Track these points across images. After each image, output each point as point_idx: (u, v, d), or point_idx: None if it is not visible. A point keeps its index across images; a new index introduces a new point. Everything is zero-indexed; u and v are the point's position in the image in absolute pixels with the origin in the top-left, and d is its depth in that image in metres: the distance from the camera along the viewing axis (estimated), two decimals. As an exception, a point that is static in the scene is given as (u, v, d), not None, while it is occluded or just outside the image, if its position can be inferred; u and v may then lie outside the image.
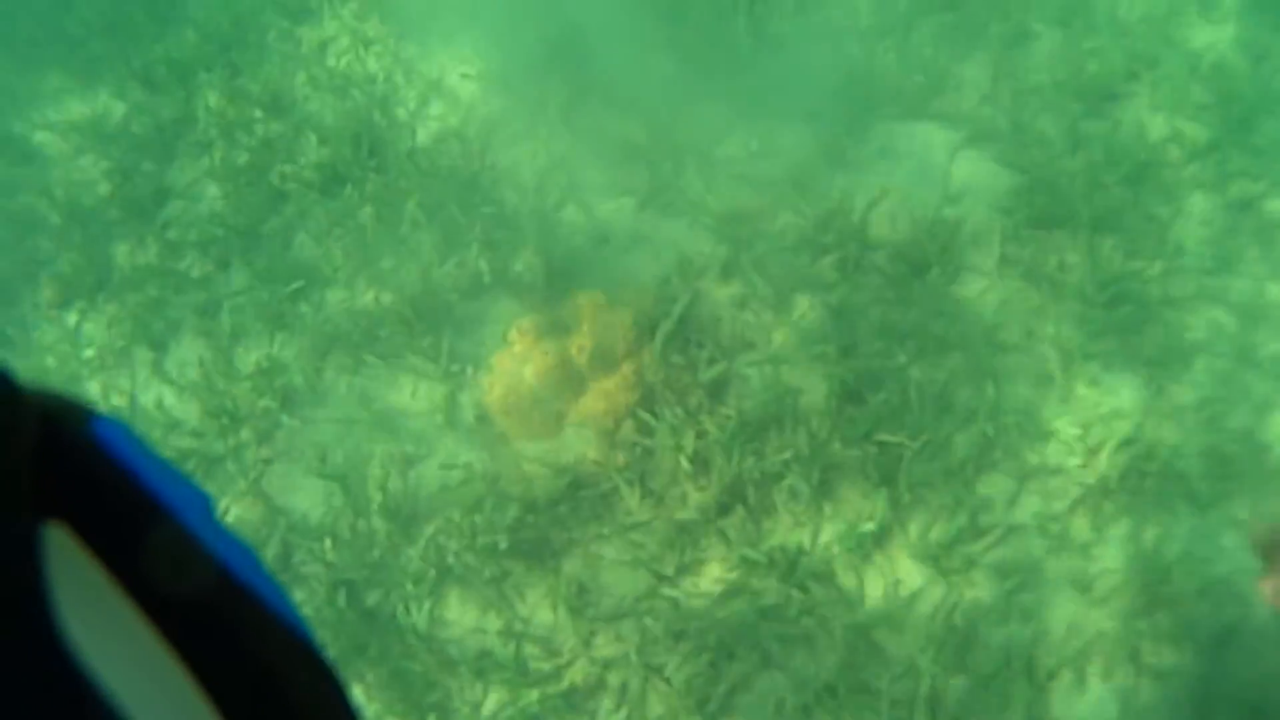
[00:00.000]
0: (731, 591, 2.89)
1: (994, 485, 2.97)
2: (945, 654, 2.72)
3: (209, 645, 0.41)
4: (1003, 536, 2.88)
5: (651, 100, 3.72)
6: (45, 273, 4.01)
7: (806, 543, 2.93)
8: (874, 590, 2.85)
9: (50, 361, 3.79)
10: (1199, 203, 3.47)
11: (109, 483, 0.40)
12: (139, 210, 4.04)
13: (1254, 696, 2.56)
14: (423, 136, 3.92)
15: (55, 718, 0.35)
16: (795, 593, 2.83)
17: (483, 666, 2.93)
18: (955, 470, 2.97)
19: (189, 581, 0.41)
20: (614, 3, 3.89)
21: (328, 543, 3.17)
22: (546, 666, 2.89)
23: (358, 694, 2.98)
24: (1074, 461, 2.96)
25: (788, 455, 3.04)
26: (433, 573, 3.07)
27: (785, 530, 2.96)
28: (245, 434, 3.42)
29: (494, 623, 2.98)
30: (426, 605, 3.03)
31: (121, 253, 3.99)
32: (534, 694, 2.85)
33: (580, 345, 3.25)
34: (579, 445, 3.19)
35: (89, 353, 3.80)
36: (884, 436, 3.00)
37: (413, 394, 3.42)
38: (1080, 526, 2.88)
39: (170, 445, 3.45)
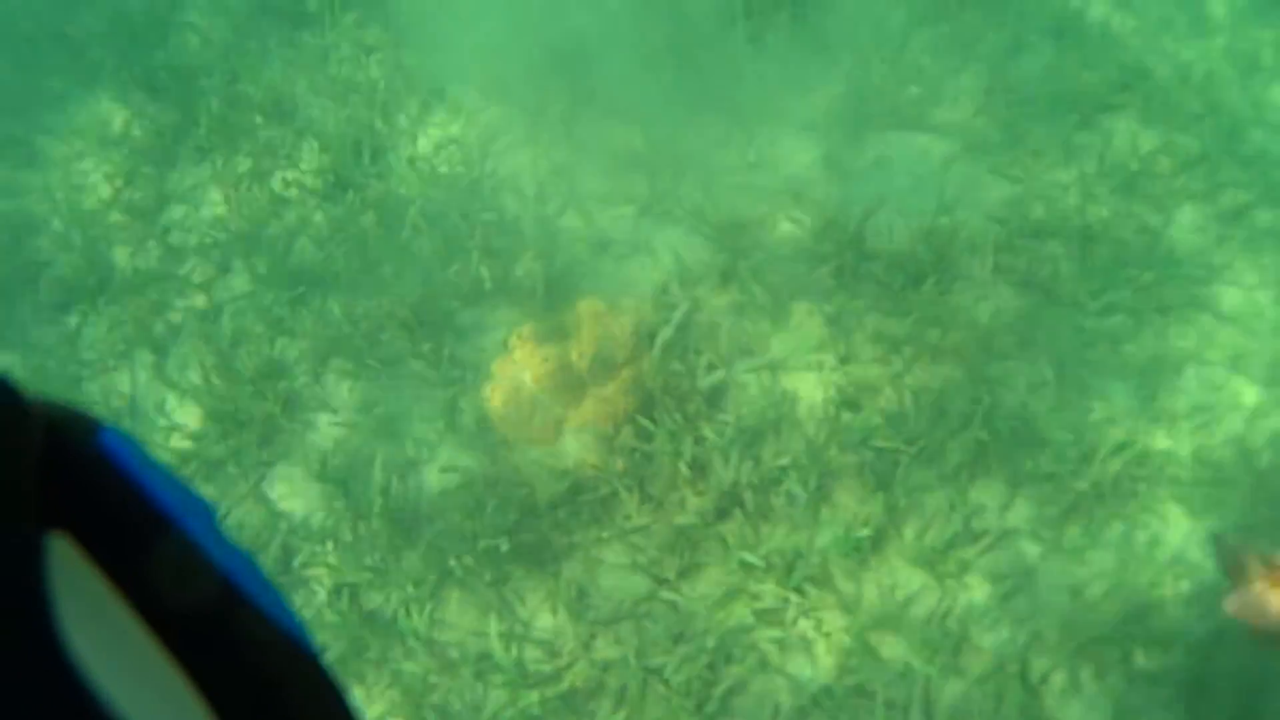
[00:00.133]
0: (729, 595, 2.93)
1: (988, 490, 3.01)
2: (940, 657, 2.76)
3: (212, 656, 0.41)
4: (996, 541, 2.92)
5: (651, 110, 3.76)
6: (45, 275, 4.02)
7: (804, 547, 2.97)
8: (870, 594, 2.89)
9: (50, 364, 3.81)
10: (1189, 212, 3.53)
11: (113, 494, 0.40)
12: (140, 214, 4.06)
13: (1244, 699, 2.61)
14: (423, 144, 3.96)
15: None
16: (793, 596, 2.86)
17: (483, 668, 2.96)
18: (950, 476, 3.01)
19: (192, 593, 0.41)
20: (614, 13, 3.93)
21: (329, 545, 3.20)
22: (546, 668, 2.92)
23: (359, 695, 3.01)
24: (1066, 467, 3.01)
25: (785, 461, 3.08)
26: (433, 576, 3.10)
27: (783, 534, 3.00)
28: (247, 437, 3.44)
29: (494, 625, 3.00)
30: (427, 608, 3.06)
31: (122, 256, 4.00)
32: (534, 696, 2.88)
33: (580, 351, 3.28)
34: (578, 450, 3.22)
35: (89, 355, 3.82)
36: (880, 442, 3.04)
37: (414, 399, 3.44)
38: (1073, 531, 2.93)
39: (171, 448, 3.47)
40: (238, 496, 3.36)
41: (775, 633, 2.84)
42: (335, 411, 3.47)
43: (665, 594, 2.98)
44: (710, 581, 2.99)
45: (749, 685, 2.83)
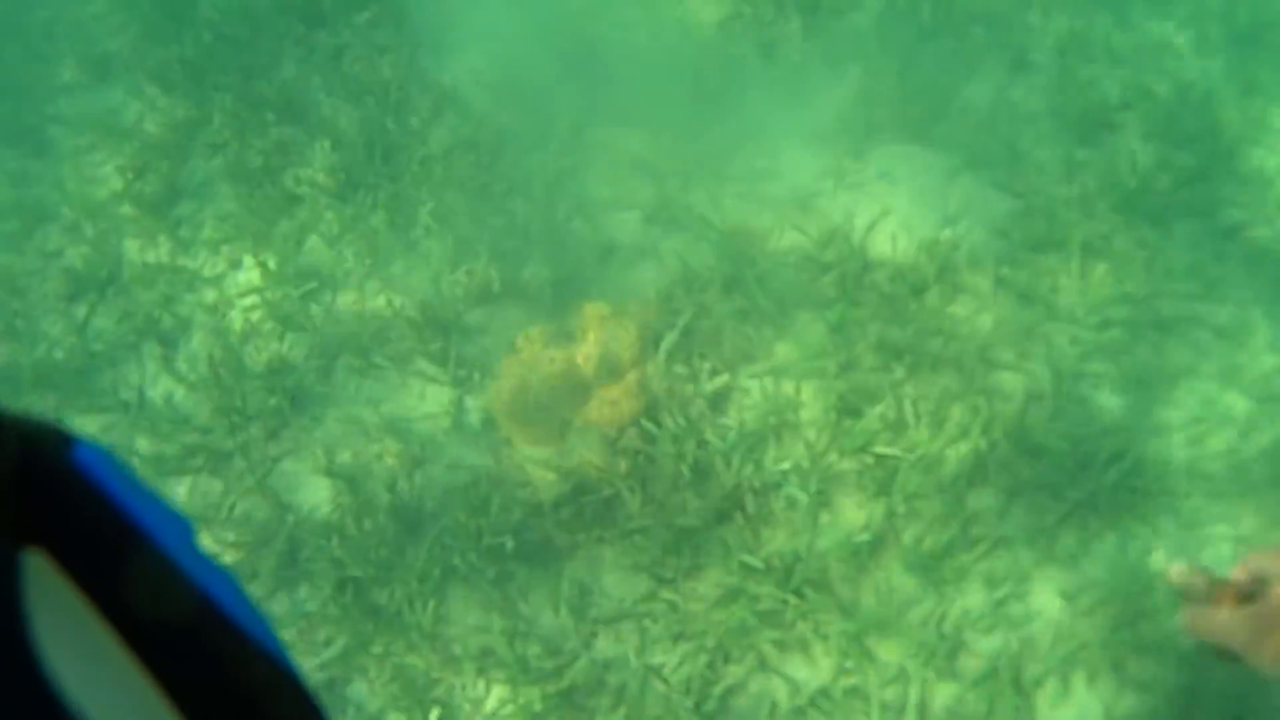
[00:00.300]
0: (729, 596, 2.98)
1: (985, 498, 3.07)
2: (935, 661, 2.81)
3: (189, 673, 0.40)
4: (993, 548, 2.98)
5: (659, 117, 3.82)
6: (55, 266, 4.05)
7: (803, 550, 3.02)
8: (868, 598, 2.94)
9: (58, 355, 3.84)
10: (1187, 229, 3.59)
11: (88, 509, 0.40)
12: (151, 207, 4.09)
13: (1235, 707, 2.67)
14: (435, 145, 4.00)
15: None
16: (791, 598, 2.91)
17: (485, 664, 3.00)
18: (948, 483, 3.07)
19: (169, 609, 0.41)
20: (626, 21, 3.98)
21: (335, 540, 3.24)
22: (547, 665, 2.96)
23: (361, 689, 3.05)
24: (1062, 477, 3.07)
25: (786, 465, 3.13)
26: (437, 572, 3.14)
27: (783, 538, 3.05)
28: (254, 431, 3.48)
29: (497, 622, 3.05)
30: (431, 603, 3.10)
31: (132, 249, 4.04)
32: (535, 692, 2.92)
33: (586, 354, 3.33)
34: (582, 451, 3.26)
35: (97, 347, 3.85)
36: (880, 449, 3.10)
37: (421, 397, 3.49)
38: (1067, 540, 2.99)
39: (179, 440, 3.51)
40: (245, 490, 3.40)
41: (774, 634, 2.90)
42: (343, 408, 3.51)
43: (666, 594, 3.02)
44: (710, 583, 3.03)
45: (747, 685, 2.88)
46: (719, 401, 3.31)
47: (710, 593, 3.00)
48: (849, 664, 2.84)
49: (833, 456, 3.14)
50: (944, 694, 2.80)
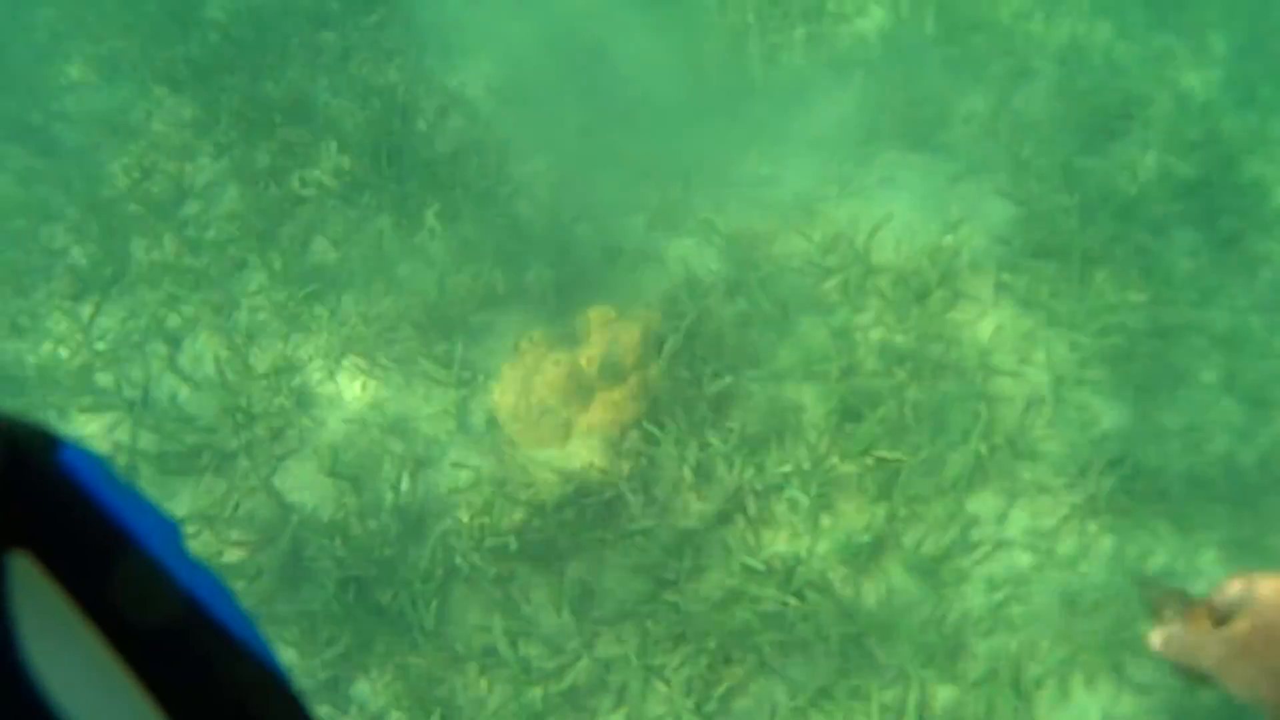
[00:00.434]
0: (731, 597, 3.00)
1: (985, 502, 3.10)
2: (935, 662, 2.83)
3: (176, 677, 0.40)
4: (992, 551, 3.01)
5: (664, 122, 3.85)
6: (60, 264, 4.07)
7: (804, 553, 3.04)
8: (868, 599, 2.96)
9: (63, 353, 3.85)
10: (1186, 237, 3.62)
11: (75, 512, 0.39)
12: (157, 207, 4.11)
13: (1231, 709, 2.69)
14: (441, 147, 4.03)
15: None
16: (793, 600, 2.93)
17: (487, 664, 3.02)
18: (948, 487, 3.09)
19: (156, 612, 0.40)
20: (631, 26, 4.01)
21: (338, 540, 3.25)
22: (549, 665, 2.98)
23: (364, 688, 3.06)
24: (1062, 481, 3.09)
25: (788, 468, 3.16)
26: (440, 572, 3.16)
27: (784, 540, 3.07)
28: (259, 431, 3.50)
29: (499, 622, 3.06)
30: (434, 603, 3.11)
31: (138, 248, 4.05)
32: (537, 691, 2.94)
33: (589, 357, 3.35)
34: (586, 453, 3.29)
35: (102, 345, 3.86)
36: (881, 453, 3.12)
37: (425, 398, 3.51)
38: (1067, 543, 3.01)
39: (183, 440, 3.52)
40: (249, 489, 3.42)
41: (775, 635, 2.92)
42: (347, 408, 3.53)
43: (667, 595, 3.04)
44: (712, 584, 3.06)
45: (748, 686, 2.90)
46: (721, 404, 3.33)
47: (711, 594, 3.02)
48: (849, 665, 2.86)
49: (834, 459, 3.16)
50: (944, 696, 2.82)
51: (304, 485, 3.42)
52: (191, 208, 4.12)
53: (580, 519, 3.18)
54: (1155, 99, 3.96)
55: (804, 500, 3.09)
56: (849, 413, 3.24)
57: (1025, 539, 3.03)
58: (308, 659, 3.08)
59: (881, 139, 3.86)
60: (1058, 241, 3.56)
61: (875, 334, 3.38)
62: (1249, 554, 2.99)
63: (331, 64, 4.37)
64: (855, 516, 3.09)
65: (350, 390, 3.57)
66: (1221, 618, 0.78)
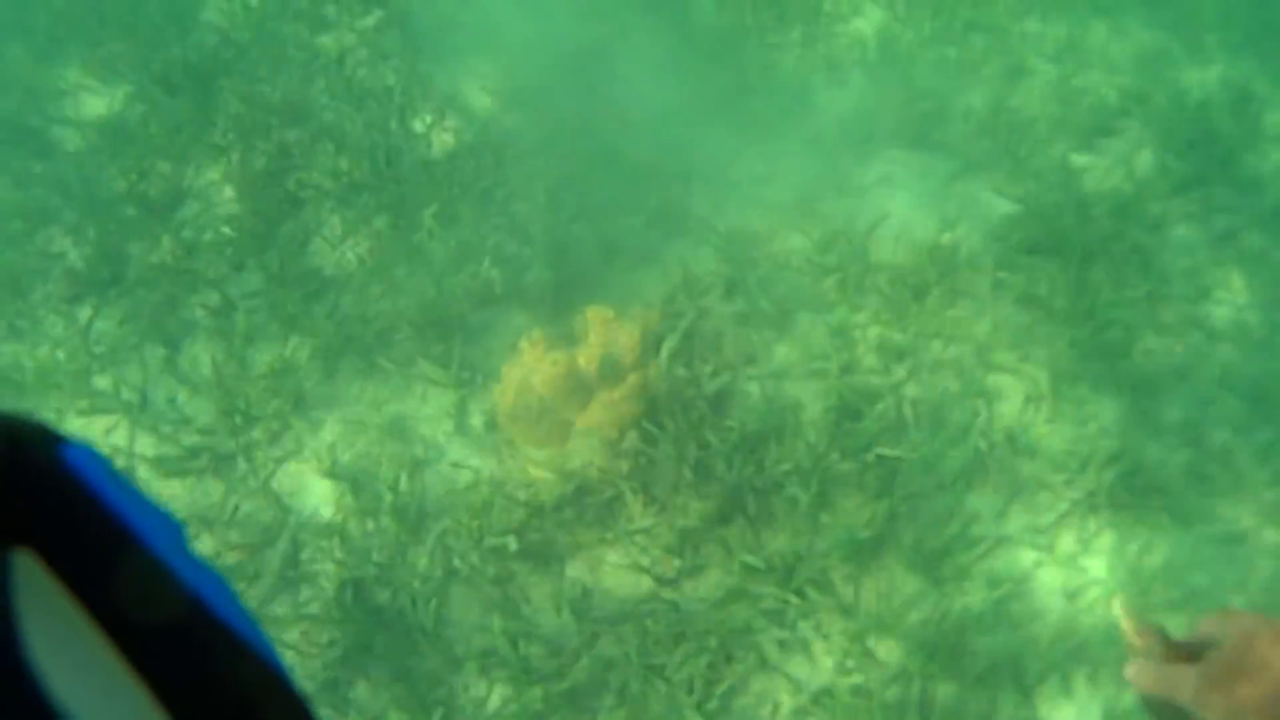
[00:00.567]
0: (731, 596, 2.99)
1: (985, 499, 3.09)
2: (937, 659, 2.83)
3: (179, 676, 0.40)
4: (993, 547, 3.00)
5: (661, 122, 3.85)
6: (58, 267, 4.06)
7: (804, 550, 3.03)
8: (869, 597, 2.96)
9: (60, 356, 3.84)
10: (1183, 234, 3.63)
11: (78, 509, 0.39)
12: (154, 209, 4.10)
13: None
14: (438, 149, 4.03)
15: None
16: (793, 598, 2.93)
17: (487, 664, 3.01)
18: (948, 483, 3.09)
19: (159, 610, 0.40)
20: (627, 26, 4.02)
21: (337, 541, 3.25)
22: (550, 665, 2.97)
23: (364, 690, 3.05)
24: (1061, 477, 3.09)
25: (787, 466, 3.15)
26: (439, 572, 3.15)
27: (784, 538, 3.07)
28: (257, 433, 3.49)
29: (499, 622, 3.06)
30: (433, 604, 3.11)
31: (136, 250, 4.05)
32: (537, 692, 2.93)
33: (588, 357, 3.35)
34: (585, 453, 3.28)
35: (100, 349, 3.85)
36: (881, 450, 3.12)
37: (423, 399, 3.50)
38: (1067, 539, 3.01)
39: (181, 442, 3.51)
40: (247, 492, 3.41)
41: (776, 634, 2.91)
42: (346, 409, 3.52)
43: (667, 594, 3.04)
44: (712, 583, 3.05)
45: (749, 684, 2.89)
46: (720, 403, 3.33)
47: (711, 593, 3.02)
48: (850, 663, 2.85)
49: (833, 457, 3.16)
50: (945, 692, 2.81)
51: (302, 487, 3.41)
52: (189, 210, 4.11)
53: (580, 519, 3.18)
54: (1151, 97, 3.97)
55: (803, 498, 3.08)
56: (848, 410, 3.24)
57: (1025, 535, 3.03)
58: (307, 661, 3.07)
59: (879, 138, 3.87)
60: (1055, 239, 3.56)
61: (873, 332, 3.38)
62: (1249, 549, 2.99)
63: (328, 66, 4.37)
64: (855, 514, 3.09)
65: (349, 391, 3.56)
66: (1198, 654, 0.78)
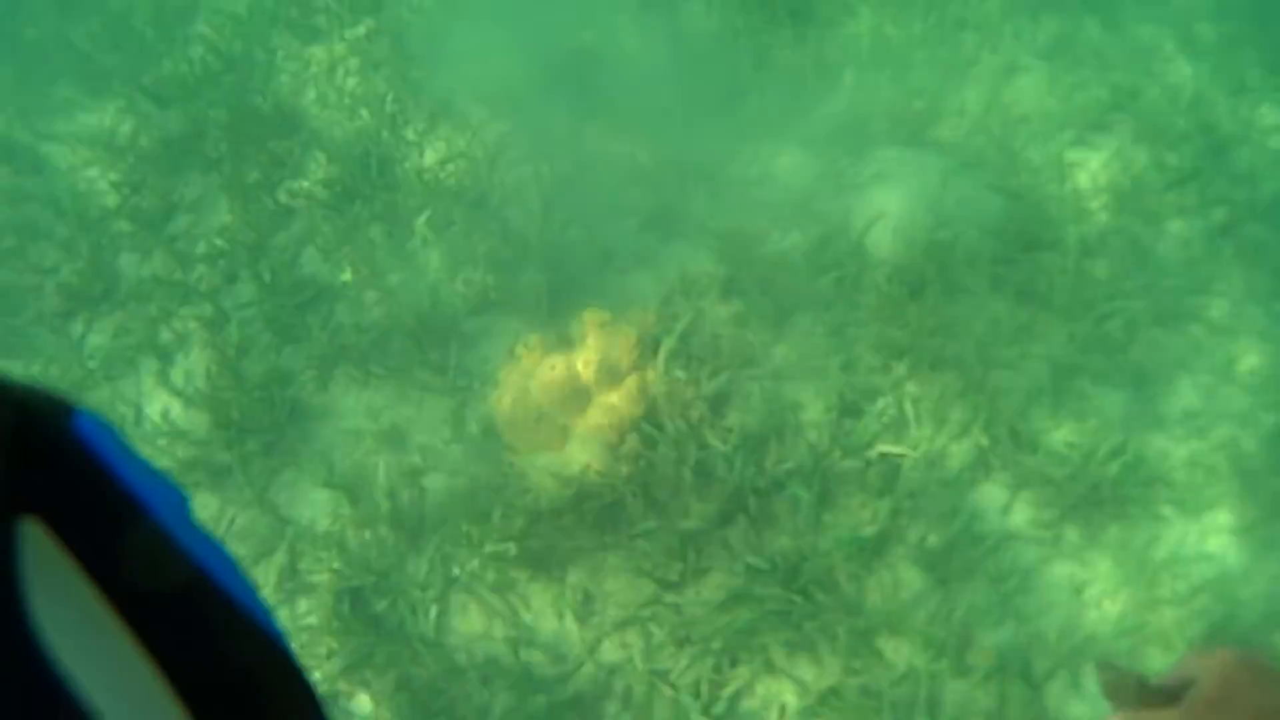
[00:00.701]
0: (735, 598, 2.96)
1: (989, 494, 3.07)
2: (944, 657, 2.79)
3: (183, 646, 0.40)
4: (998, 543, 2.97)
5: (655, 124, 3.84)
6: (51, 282, 4.03)
7: (808, 550, 3.00)
8: (874, 596, 2.93)
9: (54, 370, 3.81)
10: (1180, 227, 3.62)
11: (87, 479, 0.39)
12: (147, 222, 4.08)
13: None
14: (431, 156, 4.01)
15: (26, 716, 0.35)
16: (798, 598, 2.90)
17: (489, 673, 2.97)
18: (951, 480, 3.06)
19: (164, 581, 0.41)
20: (619, 29, 4.01)
21: (335, 551, 3.21)
22: (552, 672, 2.94)
23: (366, 700, 3.01)
24: (1065, 471, 3.07)
25: (788, 466, 3.12)
26: (439, 581, 3.12)
27: (787, 539, 3.04)
28: (252, 444, 3.46)
29: (500, 630, 3.02)
30: (433, 612, 3.07)
31: (128, 264, 4.03)
32: (540, 699, 2.89)
33: (585, 360, 3.32)
34: (584, 457, 3.25)
35: (93, 363, 3.83)
36: (883, 447, 3.09)
37: (420, 406, 3.47)
38: (1072, 533, 2.98)
39: (176, 455, 3.48)
40: (244, 503, 3.37)
41: (781, 635, 2.87)
42: (342, 419, 3.49)
43: (670, 598, 3.00)
44: (715, 585, 3.02)
45: (755, 687, 2.85)
46: (719, 404, 3.30)
47: (715, 595, 2.98)
48: (857, 663, 2.82)
49: (835, 456, 3.13)
50: (954, 690, 2.78)
51: (299, 497, 3.38)
52: (181, 222, 4.09)
53: (580, 524, 3.14)
54: (1145, 91, 3.97)
55: (805, 497, 3.05)
56: (848, 409, 3.21)
57: (1030, 530, 3.00)
58: (307, 673, 3.03)
59: (874, 136, 3.86)
60: (1051, 234, 3.55)
61: (872, 329, 3.36)
62: (1254, 540, 2.96)
63: (319, 76, 4.36)
64: (858, 512, 3.06)
65: (344, 401, 3.53)
66: (1177, 696, 0.78)
